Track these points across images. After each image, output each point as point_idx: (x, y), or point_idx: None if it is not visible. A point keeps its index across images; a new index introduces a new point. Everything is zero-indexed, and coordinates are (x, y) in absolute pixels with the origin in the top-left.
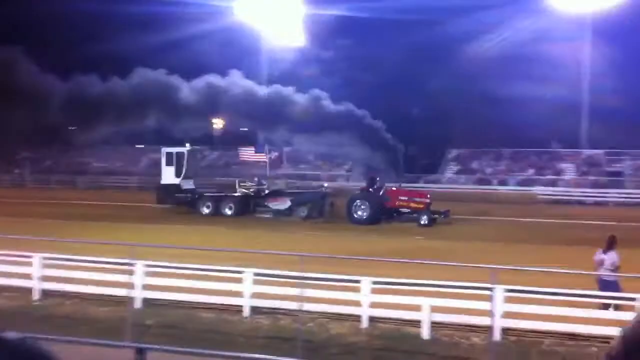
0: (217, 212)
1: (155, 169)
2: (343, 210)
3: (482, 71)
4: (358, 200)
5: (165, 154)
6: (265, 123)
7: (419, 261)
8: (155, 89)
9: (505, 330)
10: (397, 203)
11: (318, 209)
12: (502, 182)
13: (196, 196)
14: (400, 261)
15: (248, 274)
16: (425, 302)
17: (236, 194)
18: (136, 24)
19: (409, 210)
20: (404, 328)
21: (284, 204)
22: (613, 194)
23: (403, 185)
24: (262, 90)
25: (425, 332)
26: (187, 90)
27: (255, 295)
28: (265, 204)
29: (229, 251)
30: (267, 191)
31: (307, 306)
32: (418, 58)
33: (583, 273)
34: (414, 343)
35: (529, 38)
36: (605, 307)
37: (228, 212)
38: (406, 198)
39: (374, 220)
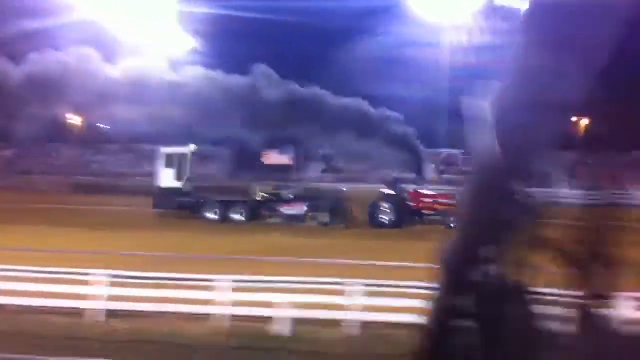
0: (225, 219)
1: None
2: (356, 214)
3: (354, 73)
4: (383, 204)
5: (165, 155)
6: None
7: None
8: None
9: (365, 324)
10: (420, 205)
11: (341, 215)
12: (364, 181)
13: (202, 201)
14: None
15: (102, 276)
16: (285, 299)
17: (256, 199)
18: None
19: (433, 212)
20: (265, 326)
21: (299, 209)
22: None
23: (426, 187)
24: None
25: (285, 329)
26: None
27: (112, 298)
28: (278, 209)
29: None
30: (291, 196)
31: (166, 307)
32: (290, 59)
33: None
34: (275, 340)
35: (396, 43)
36: None
37: (239, 218)
38: (430, 200)
39: (398, 224)
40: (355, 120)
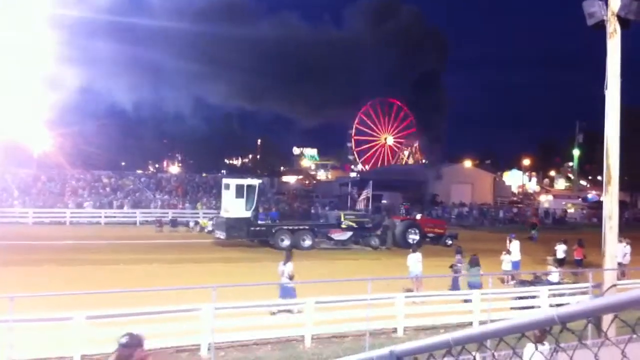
0: (295, 245)
1: None
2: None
3: None
4: (412, 228)
5: (235, 186)
6: None
7: None
8: None
9: None
10: (426, 229)
11: (383, 239)
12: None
13: (273, 230)
14: None
15: None
16: None
17: (342, 226)
18: None
19: (433, 235)
20: None
21: (344, 235)
22: None
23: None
24: None
25: None
26: None
27: None
28: (329, 235)
29: None
30: (369, 225)
31: None
32: None
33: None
34: None
35: None
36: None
37: (306, 243)
38: (432, 225)
39: (420, 244)
40: None
